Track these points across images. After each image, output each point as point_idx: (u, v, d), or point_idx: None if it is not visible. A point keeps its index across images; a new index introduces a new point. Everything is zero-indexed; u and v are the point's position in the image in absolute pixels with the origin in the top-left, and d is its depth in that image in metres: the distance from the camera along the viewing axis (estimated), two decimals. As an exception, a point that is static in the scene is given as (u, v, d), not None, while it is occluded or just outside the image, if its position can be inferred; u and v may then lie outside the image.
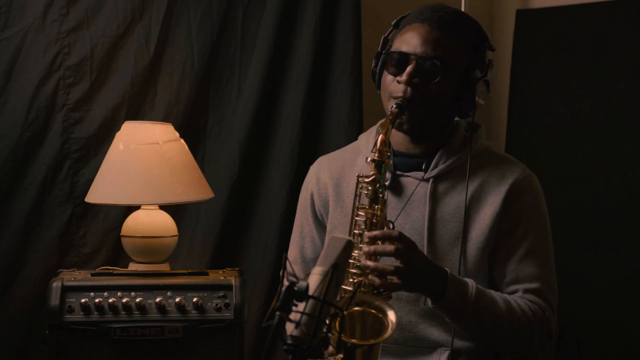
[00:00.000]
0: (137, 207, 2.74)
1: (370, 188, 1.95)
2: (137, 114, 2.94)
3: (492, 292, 2.01)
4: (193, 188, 2.68)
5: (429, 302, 1.97)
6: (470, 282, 1.97)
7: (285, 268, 1.59)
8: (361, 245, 1.92)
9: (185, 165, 2.69)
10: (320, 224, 2.22)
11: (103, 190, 2.66)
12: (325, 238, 2.20)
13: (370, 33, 3.13)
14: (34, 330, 2.83)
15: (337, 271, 1.57)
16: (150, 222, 2.70)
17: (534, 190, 2.08)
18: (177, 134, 2.76)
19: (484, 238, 2.04)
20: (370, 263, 1.87)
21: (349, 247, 1.65)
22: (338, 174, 2.19)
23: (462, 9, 3.18)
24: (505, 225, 2.04)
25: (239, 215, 3.03)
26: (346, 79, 3.05)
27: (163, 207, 2.77)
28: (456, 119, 2.15)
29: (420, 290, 1.95)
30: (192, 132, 2.99)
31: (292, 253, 2.26)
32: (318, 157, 2.32)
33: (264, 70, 3.02)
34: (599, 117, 2.96)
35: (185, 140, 2.78)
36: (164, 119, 2.95)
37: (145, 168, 2.62)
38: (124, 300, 2.53)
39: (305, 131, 3.04)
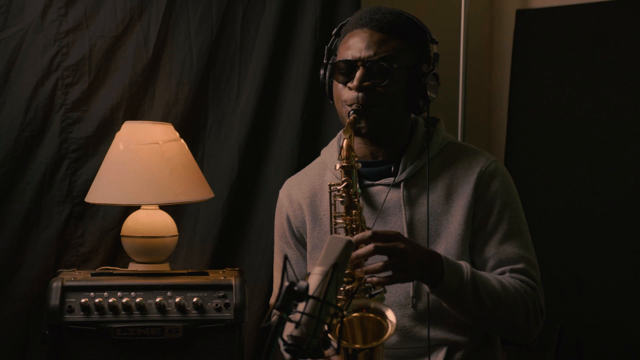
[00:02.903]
0: (137, 207, 2.74)
1: (344, 195, 1.97)
2: (135, 114, 2.94)
3: (484, 272, 2.04)
4: (193, 188, 2.68)
5: (426, 287, 1.97)
6: (464, 263, 1.99)
7: (285, 269, 1.59)
8: None
9: (185, 165, 2.69)
10: (302, 244, 2.23)
11: (103, 190, 2.65)
12: (307, 257, 2.21)
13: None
14: (32, 330, 2.83)
15: (337, 271, 1.56)
16: (150, 222, 2.69)
17: (501, 174, 2.11)
18: (177, 134, 2.76)
19: (462, 230, 2.06)
20: (359, 272, 1.88)
21: (349, 247, 1.64)
22: (310, 193, 2.20)
23: (462, 10, 3.18)
24: (479, 213, 2.07)
25: (239, 215, 3.03)
26: (346, 78, 3.05)
27: (163, 207, 2.77)
28: (414, 116, 2.17)
29: (416, 277, 1.96)
30: (191, 132, 2.99)
31: (278, 279, 2.27)
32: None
33: (264, 70, 3.02)
34: (599, 117, 2.96)
35: (185, 140, 2.77)
36: (163, 119, 2.95)
37: (145, 168, 2.62)
38: (124, 300, 2.52)
39: (305, 131, 3.04)
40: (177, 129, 2.81)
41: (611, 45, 2.94)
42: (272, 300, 2.33)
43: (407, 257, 1.88)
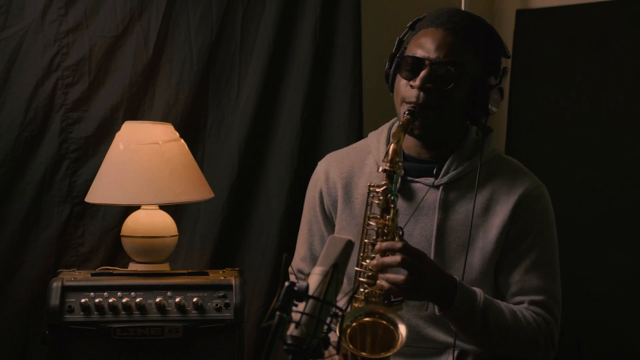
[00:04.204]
0: (137, 207, 2.74)
1: (381, 198, 1.93)
2: (135, 114, 2.94)
3: (499, 302, 2.01)
4: (193, 188, 2.68)
5: (436, 309, 1.96)
6: (478, 291, 1.96)
7: (284, 269, 1.59)
8: (373, 255, 1.91)
9: (185, 165, 2.69)
10: (330, 221, 2.21)
11: (103, 190, 2.65)
12: None
13: (370, 33, 3.12)
14: (32, 330, 2.83)
15: (337, 271, 1.56)
16: (150, 222, 2.69)
17: (544, 201, 2.08)
18: (177, 134, 2.76)
19: (491, 248, 2.03)
20: (383, 283, 1.87)
21: (349, 247, 1.64)
22: (347, 174, 2.17)
23: (463, 9, 3.17)
24: (513, 235, 2.04)
25: (239, 215, 3.02)
26: (346, 79, 3.04)
27: (163, 207, 2.76)
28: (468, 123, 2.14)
29: (428, 299, 1.95)
30: (191, 132, 2.99)
31: (301, 250, 2.26)
32: (318, 157, 2.31)
33: (264, 70, 3.01)
34: (599, 117, 2.96)
35: (185, 140, 2.77)
36: (163, 119, 2.95)
37: (145, 168, 2.62)
38: (124, 300, 2.52)
39: (305, 131, 3.04)
40: (177, 129, 2.80)
41: (611, 45, 2.93)
42: (295, 263, 2.29)
43: (425, 280, 1.87)
